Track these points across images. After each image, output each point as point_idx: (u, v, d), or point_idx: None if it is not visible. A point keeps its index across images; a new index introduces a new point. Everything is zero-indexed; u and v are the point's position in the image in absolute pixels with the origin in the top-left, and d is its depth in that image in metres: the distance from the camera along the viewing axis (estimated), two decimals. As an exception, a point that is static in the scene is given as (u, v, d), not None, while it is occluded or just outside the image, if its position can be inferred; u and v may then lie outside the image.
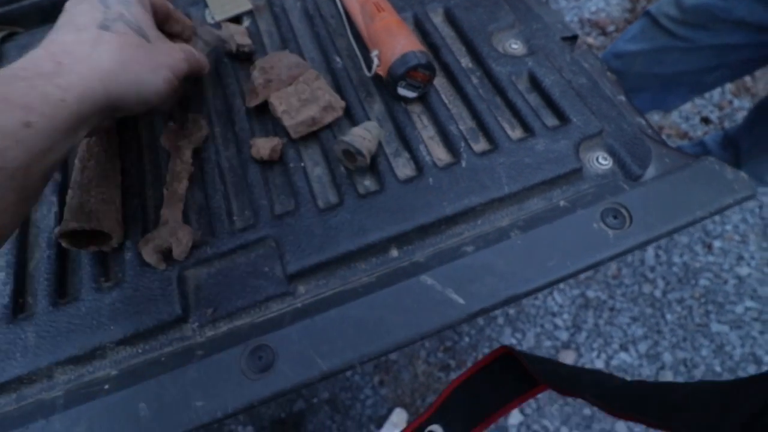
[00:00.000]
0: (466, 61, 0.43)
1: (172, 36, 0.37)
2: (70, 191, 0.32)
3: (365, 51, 0.42)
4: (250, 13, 0.46)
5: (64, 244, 0.31)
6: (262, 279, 0.32)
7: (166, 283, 0.31)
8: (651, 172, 0.36)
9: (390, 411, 1.07)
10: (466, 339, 1.16)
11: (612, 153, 0.37)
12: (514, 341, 1.14)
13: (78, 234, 0.31)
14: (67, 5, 0.30)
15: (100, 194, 0.32)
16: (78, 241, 0.32)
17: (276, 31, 0.46)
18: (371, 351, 0.29)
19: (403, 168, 0.37)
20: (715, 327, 1.12)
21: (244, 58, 0.43)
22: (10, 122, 0.22)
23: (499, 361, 0.35)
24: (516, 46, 0.43)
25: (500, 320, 1.17)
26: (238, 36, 0.42)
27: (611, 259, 0.33)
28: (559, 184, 0.35)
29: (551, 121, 0.39)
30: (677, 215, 0.34)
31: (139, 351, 0.30)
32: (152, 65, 0.29)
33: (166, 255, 0.31)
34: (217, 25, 0.45)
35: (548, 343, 1.13)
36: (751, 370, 1.08)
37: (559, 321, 1.15)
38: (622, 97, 0.43)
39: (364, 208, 0.33)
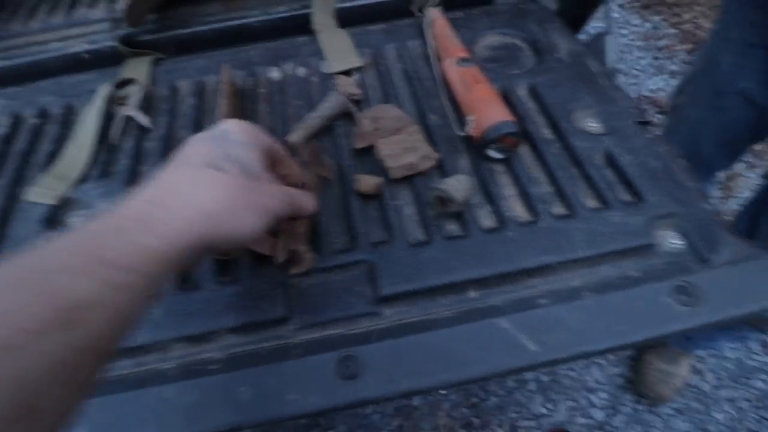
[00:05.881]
0: (546, 133, 0.48)
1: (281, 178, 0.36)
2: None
3: (457, 113, 0.48)
4: (359, 68, 0.54)
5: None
6: (354, 297, 0.36)
7: (274, 286, 0.36)
8: (719, 257, 0.38)
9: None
10: (494, 399, 1.13)
11: (683, 234, 0.40)
12: (544, 411, 1.10)
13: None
14: (187, 142, 0.30)
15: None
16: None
17: (379, 86, 0.53)
18: (449, 379, 0.32)
19: (485, 219, 0.41)
20: (769, 436, 1.03)
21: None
22: (97, 287, 0.21)
23: None
24: (594, 125, 0.48)
25: (531, 386, 1.13)
26: (350, 86, 0.50)
27: (679, 333, 0.35)
28: (630, 255, 0.38)
29: (625, 196, 0.42)
30: (745, 303, 0.35)
31: (243, 341, 0.35)
32: (255, 208, 0.28)
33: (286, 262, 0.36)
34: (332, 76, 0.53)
35: (582, 420, 1.07)
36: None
37: (595, 398, 1.10)
38: (692, 183, 0.46)
39: (450, 249, 0.37)
